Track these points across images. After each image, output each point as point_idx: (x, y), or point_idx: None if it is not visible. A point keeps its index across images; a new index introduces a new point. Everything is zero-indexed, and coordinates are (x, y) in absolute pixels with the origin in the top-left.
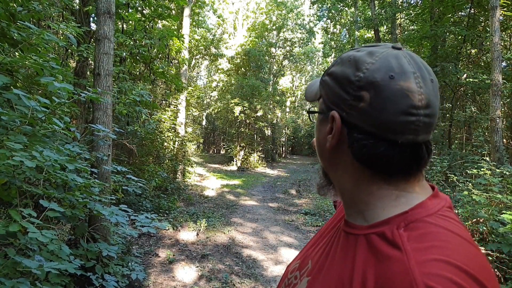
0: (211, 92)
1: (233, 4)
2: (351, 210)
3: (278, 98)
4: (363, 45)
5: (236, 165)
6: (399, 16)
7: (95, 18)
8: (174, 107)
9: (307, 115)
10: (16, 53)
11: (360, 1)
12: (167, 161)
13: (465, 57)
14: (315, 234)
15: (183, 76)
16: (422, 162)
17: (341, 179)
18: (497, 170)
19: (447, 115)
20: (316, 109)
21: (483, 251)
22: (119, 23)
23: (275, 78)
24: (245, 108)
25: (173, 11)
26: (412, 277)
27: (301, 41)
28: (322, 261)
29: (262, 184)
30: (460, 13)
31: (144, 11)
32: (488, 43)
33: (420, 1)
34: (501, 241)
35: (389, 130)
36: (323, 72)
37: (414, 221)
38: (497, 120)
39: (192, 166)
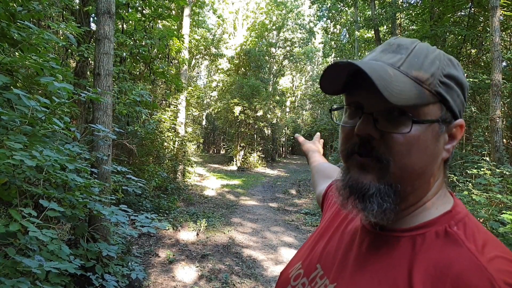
0: (211, 92)
1: (233, 4)
2: (400, 216)
3: (278, 98)
4: (413, 39)
5: (236, 165)
6: (399, 16)
7: (95, 18)
8: (174, 107)
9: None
10: (16, 53)
11: (360, 1)
12: (167, 161)
13: (465, 57)
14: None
15: (183, 76)
16: None
17: (425, 190)
18: (497, 170)
19: None
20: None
21: None
22: (119, 23)
23: (275, 78)
24: (245, 108)
25: (173, 11)
26: (489, 274)
27: (301, 41)
28: (346, 266)
29: (262, 184)
30: (460, 13)
31: (144, 11)
32: (488, 43)
33: (420, 1)
34: (501, 241)
35: None
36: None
37: (460, 220)
38: (497, 120)
39: (192, 166)
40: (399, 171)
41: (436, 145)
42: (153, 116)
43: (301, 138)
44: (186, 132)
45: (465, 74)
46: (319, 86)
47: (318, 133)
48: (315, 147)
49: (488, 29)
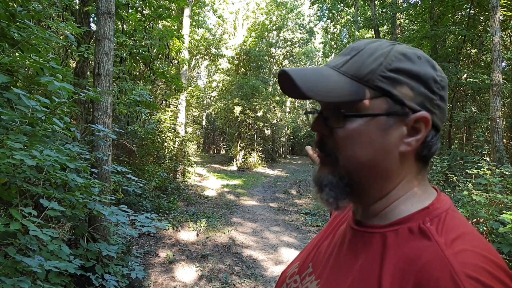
0: (211, 92)
1: (233, 4)
2: (372, 211)
3: (278, 98)
4: (385, 39)
5: (236, 165)
6: (399, 16)
7: (95, 18)
8: (174, 107)
9: (333, 115)
10: (16, 53)
11: (360, 1)
12: (167, 161)
13: (465, 57)
14: (313, 237)
15: (183, 76)
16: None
17: (385, 183)
18: (497, 170)
19: (447, 115)
20: (309, 109)
21: None
22: (119, 23)
23: (275, 78)
24: (245, 108)
25: (173, 12)
26: (450, 266)
27: (301, 41)
28: (331, 263)
29: (262, 184)
30: (460, 13)
31: (144, 11)
32: (488, 43)
33: (420, 1)
34: (501, 241)
35: (443, 123)
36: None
37: (436, 216)
38: (497, 120)
39: (192, 166)
40: (347, 164)
41: (385, 138)
42: (153, 116)
43: (310, 151)
44: (186, 132)
45: (465, 75)
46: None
47: None
48: None
49: (488, 29)
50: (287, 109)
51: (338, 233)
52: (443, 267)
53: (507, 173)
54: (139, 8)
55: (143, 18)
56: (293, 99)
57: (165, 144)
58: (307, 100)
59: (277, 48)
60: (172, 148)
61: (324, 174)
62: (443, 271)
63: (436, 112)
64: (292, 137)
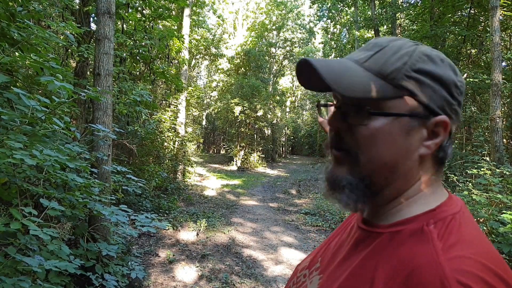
0: (211, 92)
1: (233, 4)
2: (381, 211)
3: (278, 98)
4: (407, 39)
5: (236, 165)
6: (399, 16)
7: (95, 18)
8: (174, 107)
9: (353, 114)
10: (16, 53)
11: (360, 1)
12: (167, 161)
13: (465, 57)
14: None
15: (183, 76)
16: None
17: (402, 184)
18: (497, 170)
19: None
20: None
21: None
22: (119, 23)
23: (275, 78)
24: (245, 108)
25: (173, 12)
26: (442, 272)
27: (301, 41)
28: (334, 260)
29: (262, 184)
30: (460, 13)
31: (144, 11)
32: (488, 43)
33: (420, 1)
34: (501, 241)
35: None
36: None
37: (441, 219)
38: (497, 120)
39: (192, 166)
40: (368, 163)
41: (407, 139)
42: (153, 116)
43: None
44: (186, 132)
45: (465, 75)
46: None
47: None
48: None
49: (488, 29)
50: (287, 109)
51: (347, 231)
52: (434, 272)
53: (507, 173)
54: (139, 8)
55: (143, 18)
56: (293, 99)
57: (165, 144)
58: (315, 93)
59: (277, 48)
60: (172, 148)
61: (342, 174)
62: (433, 276)
63: (453, 117)
64: (292, 137)
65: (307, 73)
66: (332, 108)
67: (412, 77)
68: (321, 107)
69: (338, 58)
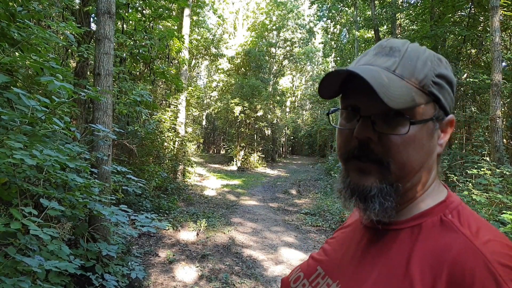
0: (211, 92)
1: (233, 4)
2: (398, 208)
3: (278, 98)
4: (402, 39)
5: (236, 165)
6: (399, 16)
7: (95, 18)
8: (174, 107)
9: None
10: (16, 53)
11: (360, 1)
12: (167, 161)
13: (465, 57)
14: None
15: (183, 76)
16: None
17: (424, 184)
18: (497, 170)
19: None
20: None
21: None
22: (119, 23)
23: (275, 78)
24: (245, 108)
25: (173, 12)
26: (483, 256)
27: (301, 41)
28: (347, 264)
29: (262, 184)
30: (460, 13)
31: (144, 11)
32: (488, 43)
33: (420, 1)
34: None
35: None
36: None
37: (454, 209)
38: (497, 120)
39: (192, 166)
40: (399, 171)
41: (431, 142)
42: (153, 116)
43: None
44: (186, 132)
45: (465, 75)
46: (317, 90)
47: None
48: None
49: (488, 29)
50: (287, 109)
51: (346, 238)
52: (476, 257)
53: (507, 173)
54: (139, 8)
55: (143, 18)
56: (293, 99)
57: (165, 144)
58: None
59: (277, 48)
60: (172, 148)
61: (371, 184)
62: (477, 261)
63: (454, 114)
64: (292, 137)
65: (333, 80)
66: (340, 114)
67: (436, 83)
68: (330, 114)
69: (365, 62)
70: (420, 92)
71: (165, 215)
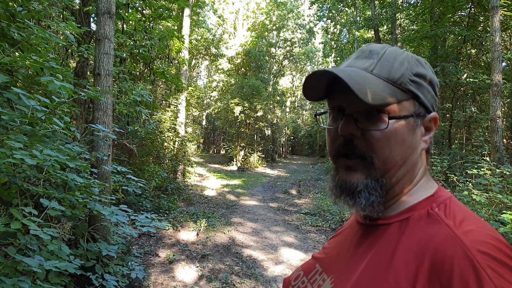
0: (211, 92)
1: (233, 4)
2: (387, 204)
3: (278, 98)
4: (383, 44)
5: (236, 165)
6: (399, 16)
7: (95, 18)
8: (174, 107)
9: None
10: (16, 53)
11: (360, 1)
12: (167, 161)
13: (465, 57)
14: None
15: (183, 76)
16: None
17: (409, 179)
18: (497, 170)
19: (447, 115)
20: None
21: None
22: (119, 23)
23: (275, 78)
24: (245, 108)
25: (174, 12)
26: (462, 244)
27: (301, 41)
28: (342, 259)
29: (262, 184)
30: (460, 13)
31: (144, 11)
32: (488, 43)
33: (420, 1)
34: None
35: None
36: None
37: (442, 202)
38: (497, 120)
39: (192, 166)
40: (383, 165)
41: (413, 137)
42: (153, 116)
43: None
44: (186, 132)
45: (465, 75)
46: (302, 92)
47: None
48: None
49: (488, 29)
50: (287, 109)
51: (342, 236)
52: (455, 245)
53: (507, 173)
54: (139, 8)
55: (143, 18)
56: (293, 99)
57: (165, 144)
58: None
59: (277, 48)
60: (172, 148)
61: (357, 180)
62: (456, 249)
63: (438, 112)
64: (292, 137)
65: (316, 82)
66: (328, 115)
67: (413, 81)
68: (319, 115)
69: (336, 62)
70: (397, 89)
71: (165, 215)
